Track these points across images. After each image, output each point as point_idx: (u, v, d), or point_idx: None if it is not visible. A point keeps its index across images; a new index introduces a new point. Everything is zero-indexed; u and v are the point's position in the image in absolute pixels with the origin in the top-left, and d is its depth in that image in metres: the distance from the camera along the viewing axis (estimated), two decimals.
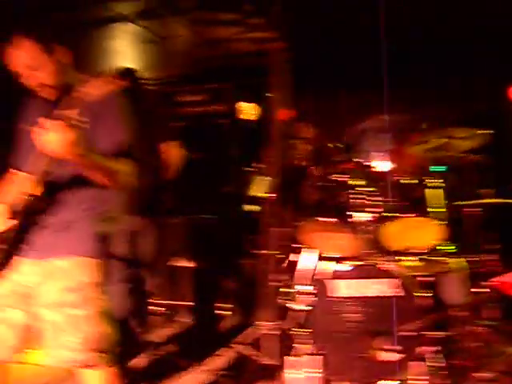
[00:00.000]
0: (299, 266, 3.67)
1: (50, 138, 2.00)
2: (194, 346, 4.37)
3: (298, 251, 3.83)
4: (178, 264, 5.12)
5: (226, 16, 4.66)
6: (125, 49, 5.14)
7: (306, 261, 3.65)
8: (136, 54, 5.25)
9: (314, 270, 3.54)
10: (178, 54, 5.47)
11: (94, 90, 2.02)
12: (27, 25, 2.34)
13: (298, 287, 3.57)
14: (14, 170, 2.59)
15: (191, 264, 5.05)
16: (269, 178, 4.88)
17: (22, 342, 2.36)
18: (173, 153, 4.47)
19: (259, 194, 4.99)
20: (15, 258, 2.37)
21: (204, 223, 5.16)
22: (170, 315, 5.11)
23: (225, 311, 5.02)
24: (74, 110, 2.05)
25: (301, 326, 3.45)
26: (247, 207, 5.17)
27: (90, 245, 2.35)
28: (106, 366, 2.31)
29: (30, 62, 2.24)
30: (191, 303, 5.07)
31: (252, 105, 5.52)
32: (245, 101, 5.49)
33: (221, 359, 3.77)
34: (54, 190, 2.23)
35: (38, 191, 2.24)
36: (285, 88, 5.50)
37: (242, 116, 5.41)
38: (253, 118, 5.51)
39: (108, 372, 2.33)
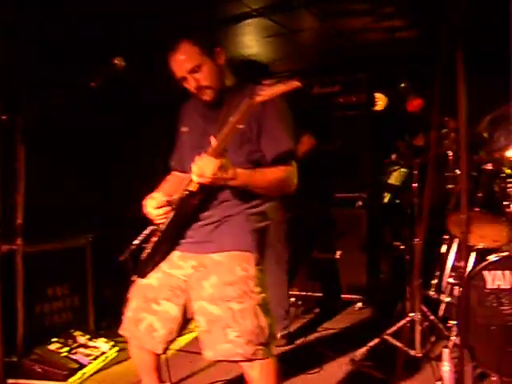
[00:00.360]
0: (451, 258, 3.58)
1: (202, 169, 2.07)
2: (339, 336, 4.42)
3: (448, 243, 3.75)
4: (320, 255, 5.18)
5: (356, 6, 4.59)
6: (255, 43, 5.23)
7: (458, 252, 3.55)
8: (266, 48, 5.33)
9: (466, 261, 3.42)
10: (309, 47, 5.49)
11: (264, 93, 2.00)
12: (185, 29, 2.42)
13: (450, 279, 3.49)
14: (174, 171, 2.73)
15: (334, 255, 5.09)
16: (405, 169, 4.85)
17: (171, 333, 2.42)
18: (305, 142, 4.48)
19: (396, 184, 4.94)
20: (170, 251, 2.45)
21: (342, 214, 5.20)
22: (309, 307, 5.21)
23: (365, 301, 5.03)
24: (236, 115, 2.05)
25: (452, 318, 3.38)
26: (386, 197, 5.14)
27: (247, 239, 2.34)
28: (267, 357, 2.29)
29: (191, 66, 2.29)
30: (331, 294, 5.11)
31: (382, 95, 5.45)
32: (377, 91, 5.42)
33: (368, 349, 3.74)
34: (210, 186, 2.23)
35: (195, 187, 2.26)
36: (416, 77, 5.43)
37: (376, 106, 5.35)
38: (383, 107, 5.44)
39: (268, 364, 2.32)
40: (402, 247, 4.52)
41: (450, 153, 3.92)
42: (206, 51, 2.31)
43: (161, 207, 2.36)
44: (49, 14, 3.99)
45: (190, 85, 2.34)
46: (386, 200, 5.25)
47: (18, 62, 4.01)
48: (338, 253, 5.09)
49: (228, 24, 4.71)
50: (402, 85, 5.31)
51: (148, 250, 2.43)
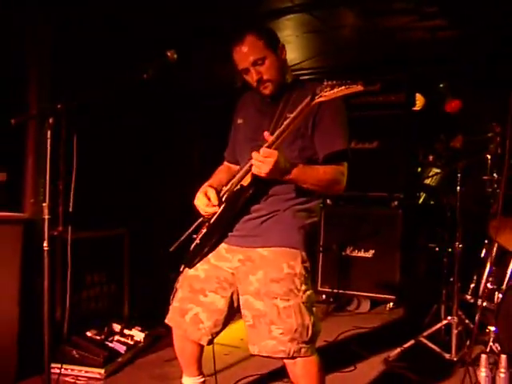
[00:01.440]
0: (490, 263, 3.56)
1: (262, 162, 2.07)
2: (372, 335, 4.42)
3: (488, 247, 3.74)
4: (351, 254, 5.18)
5: (399, 5, 4.56)
6: (294, 39, 5.22)
7: (499, 257, 3.52)
8: (305, 44, 5.32)
9: (508, 267, 3.40)
10: (348, 44, 5.46)
11: (326, 94, 2.00)
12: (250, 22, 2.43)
13: (488, 284, 3.47)
14: (226, 163, 2.74)
15: (366, 254, 5.09)
16: (441, 171, 4.82)
17: (216, 325, 2.44)
18: None
19: (432, 185, 4.91)
20: (218, 244, 2.45)
21: (377, 213, 5.20)
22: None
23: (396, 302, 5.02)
24: (296, 113, 2.07)
25: (491, 324, 3.36)
26: (422, 198, 5.13)
27: (294, 236, 2.33)
28: (310, 355, 2.29)
29: (254, 57, 2.30)
30: (364, 293, 5.11)
31: (420, 95, 5.41)
32: (416, 91, 5.39)
33: (402, 350, 3.74)
34: (261, 181, 2.22)
35: (247, 181, 2.27)
36: (455, 78, 5.40)
37: (416, 106, 5.32)
38: (421, 107, 5.41)
39: (311, 362, 2.32)
40: (436, 249, 4.52)
41: (489, 156, 3.91)
42: (270, 45, 2.32)
43: (212, 199, 2.37)
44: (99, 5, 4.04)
45: (252, 77, 2.35)
46: (420, 201, 5.25)
47: (69, 54, 4.06)
48: (372, 251, 5.09)
49: (268, 18, 4.71)
50: (441, 85, 5.28)
51: (197, 242, 2.44)
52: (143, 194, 5.19)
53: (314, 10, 4.61)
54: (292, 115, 2.08)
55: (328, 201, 5.34)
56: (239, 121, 2.58)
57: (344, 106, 2.36)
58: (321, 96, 2.00)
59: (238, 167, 2.59)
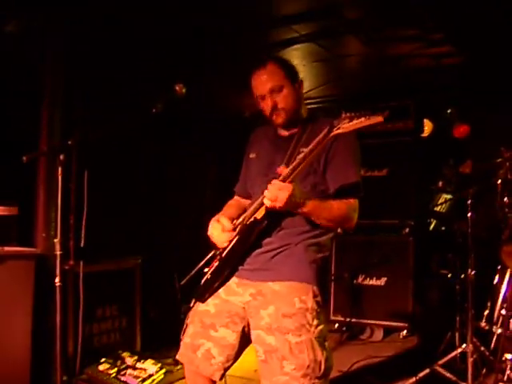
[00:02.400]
0: (504, 290, 3.53)
1: (276, 194, 2.06)
2: (386, 364, 4.37)
3: (501, 273, 3.71)
4: (363, 282, 5.16)
5: (404, 32, 4.61)
6: (301, 68, 5.27)
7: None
8: (312, 72, 5.38)
9: None
10: (355, 72, 5.52)
11: (344, 126, 1.99)
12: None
13: (503, 311, 3.44)
14: (237, 197, 2.74)
15: (378, 282, 5.06)
16: (451, 196, 4.81)
17: (228, 360, 2.40)
18: None
19: (442, 211, 4.90)
20: (230, 278, 2.43)
21: (388, 240, 5.19)
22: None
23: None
24: (313, 145, 2.06)
25: (507, 351, 3.32)
26: (433, 225, 5.12)
27: (306, 270, 2.31)
28: None
29: (272, 85, 2.33)
30: (376, 321, 5.07)
31: (428, 121, 5.44)
32: (423, 117, 5.41)
33: (417, 379, 3.69)
34: (275, 214, 2.22)
35: (260, 214, 2.25)
36: (462, 104, 5.42)
37: (424, 133, 5.34)
38: (430, 134, 5.43)
39: None
40: (449, 276, 4.49)
41: (499, 182, 3.90)
42: (289, 76, 2.36)
43: (226, 232, 2.36)
44: (108, 40, 4.11)
45: (267, 104, 2.37)
46: (431, 227, 5.24)
47: (78, 89, 4.13)
48: (384, 279, 5.06)
49: (276, 48, 4.77)
50: (449, 111, 5.31)
51: (208, 276, 2.43)
52: (155, 226, 5.21)
53: (319, 40, 4.67)
54: (309, 147, 2.07)
55: (339, 229, 5.32)
56: (252, 155, 2.58)
57: (357, 141, 2.36)
58: (339, 128, 1.99)
59: (248, 201, 2.59)
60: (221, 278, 2.42)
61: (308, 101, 5.70)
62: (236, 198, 2.74)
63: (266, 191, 2.10)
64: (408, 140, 5.25)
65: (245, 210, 2.41)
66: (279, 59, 2.41)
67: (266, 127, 2.56)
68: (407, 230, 5.09)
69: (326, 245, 2.40)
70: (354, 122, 1.96)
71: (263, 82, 2.35)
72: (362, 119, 1.94)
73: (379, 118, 1.92)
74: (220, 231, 2.37)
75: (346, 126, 1.98)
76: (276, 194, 2.06)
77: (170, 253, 5.22)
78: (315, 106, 5.91)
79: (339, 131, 2.00)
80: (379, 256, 5.10)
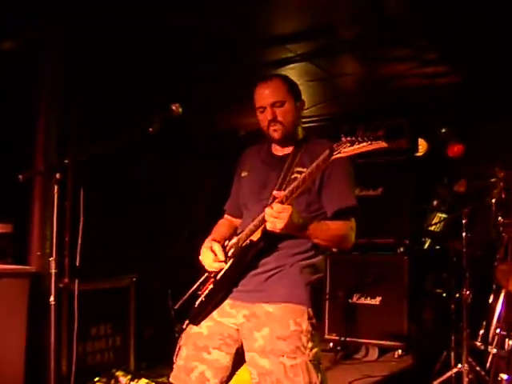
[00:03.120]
0: (499, 309, 3.54)
1: (277, 217, 2.05)
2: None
3: (495, 293, 3.72)
4: (358, 301, 5.15)
5: (399, 52, 4.65)
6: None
7: (506, 303, 3.51)
8: (308, 92, 5.40)
9: None
10: (350, 91, 5.56)
11: (345, 151, 1.98)
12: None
13: (498, 330, 3.44)
14: (227, 216, 2.72)
15: (373, 301, 5.06)
16: (445, 215, 4.84)
17: (221, 382, 2.37)
18: None
19: (437, 230, 4.92)
20: (224, 300, 2.41)
21: (382, 259, 5.20)
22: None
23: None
24: (313, 167, 2.06)
25: (502, 371, 3.32)
26: (427, 244, 5.12)
27: (301, 292, 2.30)
28: None
29: (275, 99, 2.35)
30: (371, 340, 5.06)
31: (423, 140, 5.47)
32: (418, 136, 5.44)
33: None
34: (270, 235, 2.21)
35: (256, 236, 2.25)
36: (456, 123, 5.45)
37: (419, 152, 5.37)
38: (424, 153, 5.45)
39: None
40: (444, 295, 4.49)
41: (493, 201, 3.92)
42: (292, 93, 2.38)
43: (217, 262, 2.35)
44: (104, 58, 4.14)
45: (266, 116, 2.38)
46: (426, 246, 5.25)
47: (74, 108, 4.14)
48: (378, 298, 5.06)
49: (271, 67, 4.81)
50: (443, 130, 5.35)
51: (202, 299, 2.42)
52: (150, 243, 5.20)
53: (315, 59, 4.71)
54: (308, 171, 2.07)
55: (334, 249, 5.35)
56: (244, 173, 2.58)
57: (351, 162, 2.35)
58: (339, 152, 1.99)
59: (239, 221, 2.58)
60: (215, 300, 2.41)
61: (303, 119, 5.73)
62: (226, 216, 2.72)
63: (266, 210, 2.09)
64: (403, 159, 5.27)
65: (236, 230, 2.41)
66: (285, 76, 2.43)
67: (258, 146, 2.57)
68: (402, 248, 5.09)
69: (320, 266, 2.40)
70: (356, 146, 1.96)
71: (266, 94, 2.37)
72: (364, 144, 1.94)
73: (382, 144, 1.92)
74: (211, 260, 2.36)
75: (347, 150, 1.98)
76: (275, 217, 2.06)
77: (165, 270, 5.21)
78: (311, 124, 5.95)
79: (339, 155, 2.00)
80: (374, 275, 5.10)
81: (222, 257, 2.34)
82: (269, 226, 2.11)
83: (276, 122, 2.37)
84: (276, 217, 2.06)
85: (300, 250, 2.34)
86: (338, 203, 2.31)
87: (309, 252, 2.35)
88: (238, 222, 2.63)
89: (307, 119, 5.81)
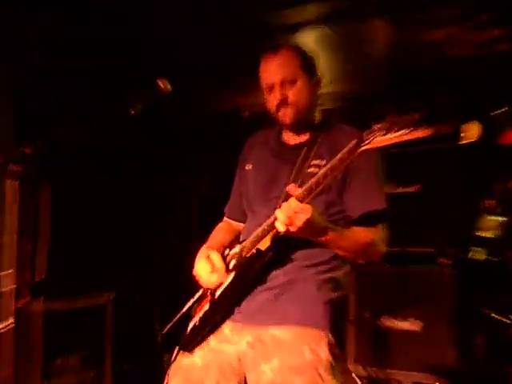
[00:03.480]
0: None
1: (292, 217, 2.05)
2: None
3: None
4: (390, 325, 5.18)
5: (442, 13, 4.64)
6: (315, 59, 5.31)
7: None
8: (329, 64, 5.41)
9: None
10: (380, 62, 5.55)
11: (376, 141, 1.98)
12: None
13: None
14: (228, 219, 2.79)
15: (408, 324, 5.07)
16: (502, 218, 4.84)
17: None
18: None
19: (491, 237, 4.92)
20: (222, 323, 2.45)
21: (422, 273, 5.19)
22: None
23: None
24: (334, 161, 2.07)
25: None
26: (477, 252, 5.12)
27: (318, 313, 2.33)
28: None
29: (285, 75, 2.39)
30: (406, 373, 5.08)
31: (474, 124, 5.46)
32: (468, 119, 5.44)
33: None
34: (283, 242, 2.25)
35: (265, 245, 2.28)
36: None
37: (469, 138, 5.37)
38: (476, 139, 5.45)
39: None
40: (500, 319, 4.50)
41: None
42: (306, 68, 2.43)
43: (217, 273, 2.39)
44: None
45: (274, 97, 2.42)
46: (479, 257, 5.24)
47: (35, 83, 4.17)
48: (416, 322, 5.07)
49: (285, 33, 4.82)
50: (500, 111, 5.34)
51: (195, 320, 2.46)
52: (131, 254, 5.22)
53: (334, 23, 4.72)
54: (330, 164, 2.08)
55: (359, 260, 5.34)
56: (248, 167, 2.62)
57: (380, 156, 2.41)
58: (370, 142, 1.98)
59: (242, 225, 2.63)
60: (211, 323, 2.44)
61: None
62: (226, 220, 2.78)
63: (277, 211, 2.09)
64: (448, 148, 5.27)
65: (239, 237, 2.45)
66: (296, 47, 2.47)
67: (266, 132, 2.62)
68: (446, 260, 5.11)
69: (343, 281, 2.45)
70: (391, 135, 1.94)
71: (274, 69, 2.41)
72: (402, 132, 1.91)
73: (426, 131, 1.90)
74: (208, 273, 2.40)
75: (380, 140, 1.97)
76: (292, 216, 2.05)
77: (150, 285, 5.23)
78: (326, 106, 5.93)
79: (369, 146, 1.99)
80: (410, 293, 5.10)
81: (222, 268, 2.38)
82: (281, 228, 2.09)
83: (287, 104, 2.41)
84: (291, 217, 2.05)
85: (318, 260, 2.38)
86: (365, 205, 2.36)
87: (329, 263, 2.40)
88: (240, 226, 2.68)
89: (324, 98, 5.79)
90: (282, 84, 2.39)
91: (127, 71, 4.60)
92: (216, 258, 2.42)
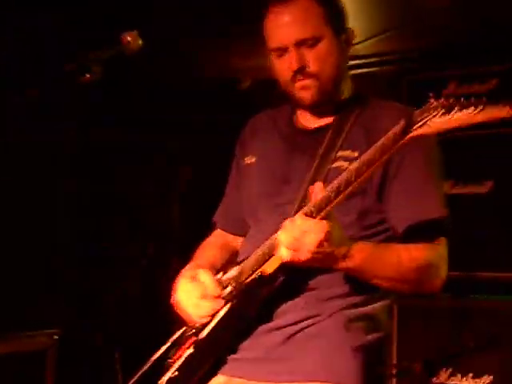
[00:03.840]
0: None
1: (300, 239, 2.01)
2: None
3: None
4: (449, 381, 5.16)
5: None
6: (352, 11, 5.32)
7: None
8: (360, 15, 5.41)
9: None
10: (439, 14, 5.53)
11: (436, 124, 1.83)
12: None
13: None
14: (221, 231, 2.78)
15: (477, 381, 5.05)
16: None
17: None
18: None
19: None
20: (213, 374, 2.42)
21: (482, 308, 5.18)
22: None
23: None
24: (371, 151, 1.98)
25: None
26: None
27: (347, 363, 2.30)
28: None
29: (302, 32, 2.31)
30: None
31: None
32: None
33: None
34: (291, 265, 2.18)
35: (271, 267, 2.24)
36: None
37: None
38: None
39: None
40: None
41: None
42: (333, 21, 2.36)
43: (208, 300, 2.36)
44: None
45: (288, 65, 2.35)
46: None
47: None
48: (486, 378, 5.02)
49: None
50: None
51: (174, 372, 2.43)
52: (85, 276, 5.22)
53: None
54: (366, 155, 2.00)
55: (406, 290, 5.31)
56: (249, 159, 2.59)
57: (438, 148, 2.37)
58: (424, 124, 1.87)
59: (241, 239, 2.63)
60: (197, 374, 2.41)
61: (353, 62, 5.68)
62: (219, 233, 2.76)
63: (279, 233, 2.07)
64: None
65: (236, 256, 2.46)
66: None
67: (273, 112, 2.61)
68: None
69: (380, 318, 2.43)
70: (455, 115, 1.80)
71: (290, 26, 2.34)
72: (470, 111, 1.76)
73: (503, 112, 1.74)
74: (198, 298, 2.37)
75: (438, 122, 1.84)
76: (299, 238, 2.01)
77: (110, 319, 5.23)
78: (363, 70, 5.89)
79: (423, 131, 1.89)
80: (479, 335, 5.06)
81: (214, 291, 2.35)
82: (286, 256, 2.07)
83: (306, 76, 2.34)
84: (299, 239, 2.01)
85: (344, 290, 2.35)
86: (416, 213, 2.30)
87: (362, 294, 2.36)
88: (237, 241, 2.66)
89: (359, 61, 5.78)
90: (299, 46, 2.31)
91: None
92: (207, 279, 2.37)
